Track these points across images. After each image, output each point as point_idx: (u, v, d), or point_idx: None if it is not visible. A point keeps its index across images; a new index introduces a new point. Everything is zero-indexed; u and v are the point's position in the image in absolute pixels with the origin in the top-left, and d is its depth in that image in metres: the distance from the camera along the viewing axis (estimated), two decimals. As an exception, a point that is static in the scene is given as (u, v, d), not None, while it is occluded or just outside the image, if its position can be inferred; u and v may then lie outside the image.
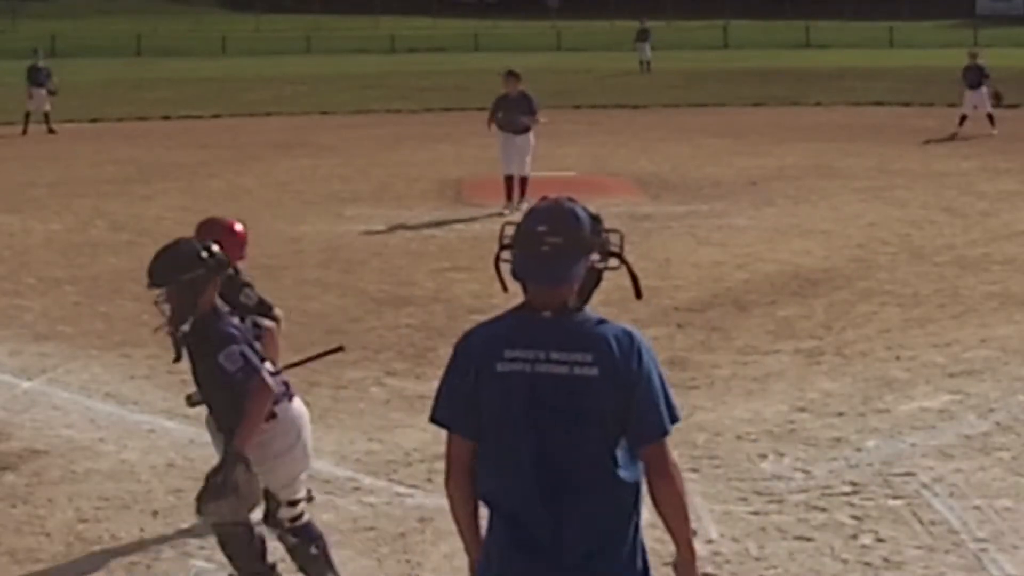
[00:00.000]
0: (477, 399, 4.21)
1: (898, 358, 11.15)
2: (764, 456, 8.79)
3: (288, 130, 30.67)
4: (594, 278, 4.32)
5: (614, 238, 4.33)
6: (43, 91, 30.32)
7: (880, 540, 7.43)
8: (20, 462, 8.93)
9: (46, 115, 30.35)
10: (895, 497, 8.03)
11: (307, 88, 42.46)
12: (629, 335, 4.19)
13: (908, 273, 14.52)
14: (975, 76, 27.87)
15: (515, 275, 4.25)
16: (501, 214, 18.61)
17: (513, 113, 19.12)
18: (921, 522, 7.65)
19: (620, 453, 4.18)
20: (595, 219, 4.29)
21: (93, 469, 8.79)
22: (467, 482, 4.31)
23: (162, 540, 7.60)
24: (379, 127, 31.22)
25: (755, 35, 65.53)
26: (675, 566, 4.36)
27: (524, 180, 19.07)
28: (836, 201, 19.44)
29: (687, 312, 12.87)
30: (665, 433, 4.19)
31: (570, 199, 4.29)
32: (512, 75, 19.41)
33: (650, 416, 4.17)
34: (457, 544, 7.45)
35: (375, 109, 35.58)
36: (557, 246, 4.16)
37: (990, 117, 27.58)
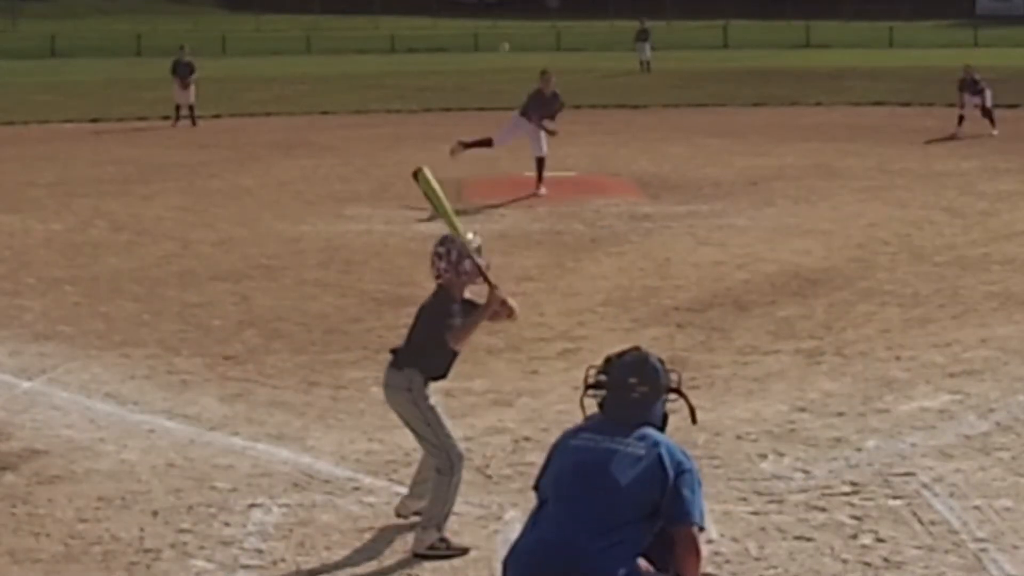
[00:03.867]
0: (550, 466, 5.47)
1: (898, 358, 11.14)
2: (764, 456, 8.79)
3: (288, 130, 30.67)
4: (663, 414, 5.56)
5: (673, 377, 5.53)
6: (179, 83, 31.73)
7: (880, 540, 7.43)
8: (20, 462, 8.93)
9: (191, 108, 31.61)
10: (895, 497, 8.03)
11: (307, 88, 42.46)
12: (683, 450, 5.39)
13: (908, 273, 14.52)
14: (971, 86, 27.94)
15: (603, 410, 5.47)
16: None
17: (543, 109, 20.29)
18: (921, 522, 7.65)
19: (637, 518, 5.21)
20: (662, 363, 5.53)
21: (93, 469, 8.78)
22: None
23: (162, 540, 7.60)
24: (379, 127, 31.22)
25: (755, 35, 65.51)
26: None
27: (541, 161, 20.18)
28: (836, 201, 19.43)
29: (687, 312, 12.87)
30: (693, 521, 5.26)
31: (647, 352, 5.55)
32: (548, 74, 20.74)
33: (683, 504, 5.25)
34: (456, 544, 7.48)
35: (375, 109, 35.57)
36: (644, 394, 5.45)
37: (990, 116, 27.57)
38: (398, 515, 7.66)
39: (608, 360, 5.54)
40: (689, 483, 5.30)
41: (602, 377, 5.51)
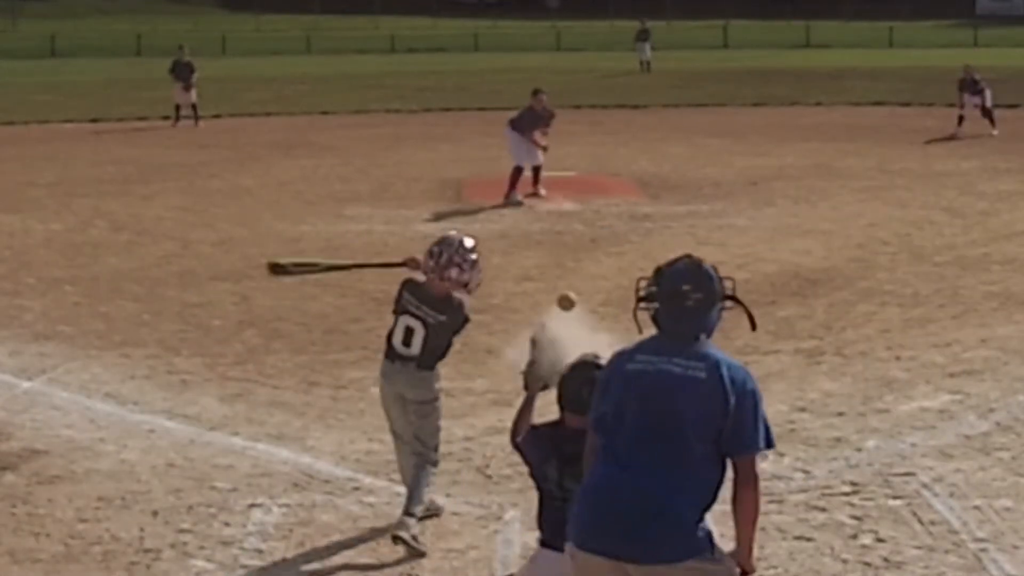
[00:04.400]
0: (608, 393, 5.12)
1: (898, 358, 11.15)
2: (764, 456, 8.77)
3: (288, 130, 30.66)
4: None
5: (728, 284, 5.24)
6: (181, 85, 31.70)
7: (880, 540, 7.43)
8: (20, 462, 8.93)
9: (194, 107, 31.62)
10: (895, 497, 8.04)
11: (307, 88, 42.43)
12: (742, 368, 5.10)
13: (908, 273, 14.52)
14: (971, 87, 27.93)
15: (657, 323, 5.16)
16: (511, 203, 18.99)
17: (537, 125, 20.34)
18: (921, 522, 7.65)
19: (706, 451, 4.97)
20: (715, 270, 5.22)
21: (93, 469, 8.79)
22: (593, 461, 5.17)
23: (162, 540, 7.60)
24: (379, 127, 31.21)
25: (755, 35, 65.47)
26: (731, 554, 5.09)
27: (538, 169, 20.11)
28: (836, 201, 19.43)
29: (687, 312, 12.85)
30: (756, 450, 5.01)
31: (700, 259, 5.22)
32: (540, 93, 20.68)
33: (745, 433, 4.99)
34: (457, 544, 7.48)
35: (375, 109, 35.55)
36: (699, 301, 5.12)
37: (990, 116, 27.57)
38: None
39: (659, 270, 5.24)
40: (752, 406, 5.02)
41: (653, 288, 5.20)
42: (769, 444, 5.07)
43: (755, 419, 5.01)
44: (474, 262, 7.60)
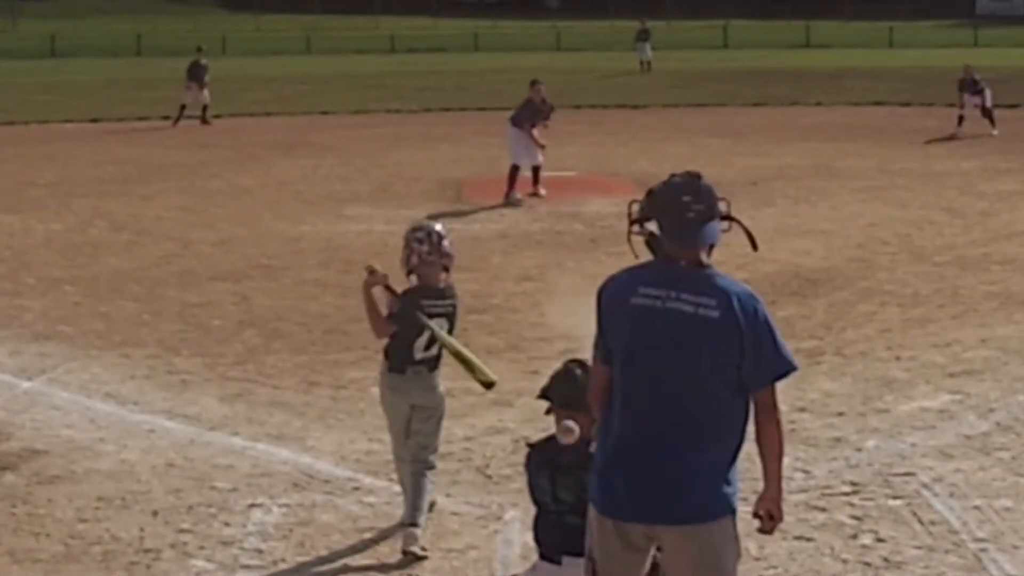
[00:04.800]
0: (612, 328, 4.93)
1: (898, 358, 11.15)
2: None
3: (288, 130, 30.66)
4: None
5: (722, 205, 5.04)
6: (196, 85, 31.97)
7: (880, 540, 7.43)
8: (20, 462, 8.93)
9: (205, 108, 31.89)
10: (895, 497, 8.04)
11: (307, 88, 42.44)
12: (750, 294, 4.89)
13: (908, 273, 14.52)
14: (971, 86, 27.94)
15: (652, 248, 4.93)
16: (510, 204, 18.90)
17: (535, 118, 20.22)
18: (921, 522, 7.65)
19: (728, 394, 4.84)
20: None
21: (93, 469, 8.79)
22: (604, 399, 4.98)
23: (162, 540, 7.60)
24: (379, 127, 31.21)
25: (755, 35, 65.47)
26: (761, 497, 5.05)
27: (537, 169, 20.03)
28: (836, 201, 19.44)
29: (687, 312, 12.85)
30: (776, 377, 4.86)
31: (697, 172, 5.06)
32: (538, 84, 20.61)
33: (763, 363, 4.82)
34: (457, 544, 7.48)
35: (375, 109, 35.56)
36: (700, 212, 4.90)
37: (990, 116, 27.56)
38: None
39: (650, 192, 5.02)
40: (768, 333, 4.83)
41: (646, 210, 4.97)
42: (790, 367, 4.90)
43: (774, 346, 4.86)
44: (444, 234, 7.64)
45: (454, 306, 7.58)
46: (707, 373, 4.81)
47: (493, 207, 19.15)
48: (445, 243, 7.55)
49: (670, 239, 4.89)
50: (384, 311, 7.51)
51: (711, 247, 4.96)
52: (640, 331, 4.86)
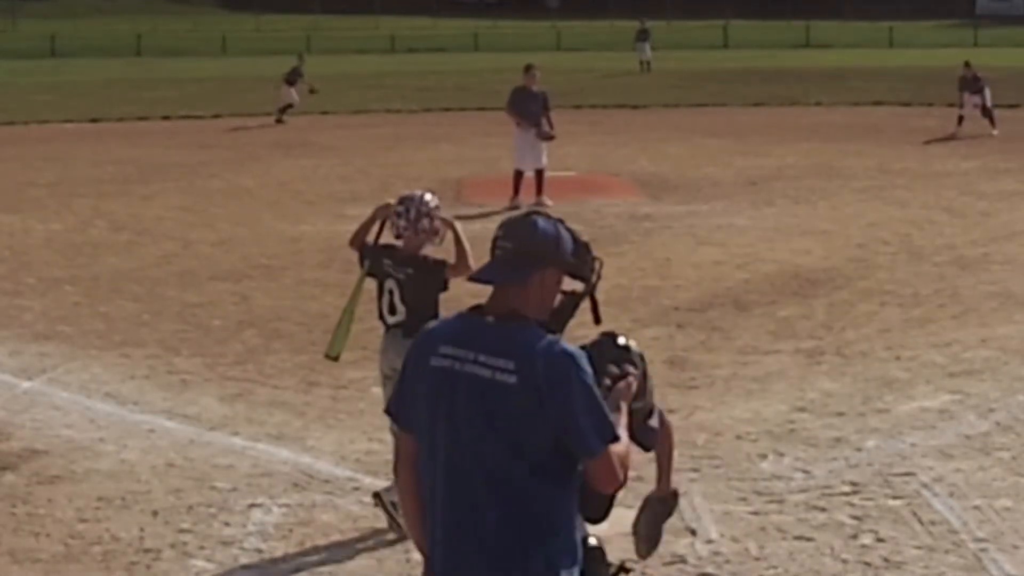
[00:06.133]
0: (415, 392, 4.26)
1: (898, 358, 11.15)
2: (764, 456, 8.78)
3: (288, 130, 30.66)
4: (571, 304, 4.43)
5: (596, 265, 4.40)
6: (292, 89, 32.52)
7: (880, 540, 7.43)
8: (20, 462, 8.93)
9: (288, 106, 32.27)
10: (895, 497, 8.03)
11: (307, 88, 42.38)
12: (566, 354, 4.10)
13: (908, 273, 14.52)
14: (972, 84, 27.93)
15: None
16: (514, 208, 18.68)
17: (533, 109, 19.50)
18: (921, 522, 7.65)
19: (541, 484, 4.10)
20: (580, 244, 4.35)
21: (93, 469, 8.79)
22: (410, 475, 4.32)
23: (162, 540, 7.60)
24: (379, 127, 31.21)
25: (755, 35, 65.48)
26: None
27: (541, 173, 19.45)
28: (836, 201, 19.43)
29: (687, 312, 12.87)
30: (592, 454, 4.08)
31: (548, 216, 4.34)
32: (533, 69, 19.92)
33: (578, 436, 4.08)
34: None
35: (375, 109, 35.56)
36: (506, 250, 4.24)
37: (990, 116, 27.56)
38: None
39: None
40: (579, 397, 4.06)
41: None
42: (607, 438, 4.10)
43: (588, 413, 4.08)
44: (438, 208, 7.79)
45: (411, 276, 7.66)
46: (509, 456, 4.09)
47: (493, 207, 19.13)
48: (424, 221, 7.71)
49: (475, 275, 4.34)
50: (370, 239, 7.94)
51: (559, 312, 4.38)
52: (437, 402, 4.19)
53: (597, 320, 4.48)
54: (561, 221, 4.36)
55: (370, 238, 7.94)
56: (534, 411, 4.05)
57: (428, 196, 7.82)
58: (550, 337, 4.14)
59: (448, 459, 4.15)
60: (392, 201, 7.88)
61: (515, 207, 19.01)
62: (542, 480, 4.11)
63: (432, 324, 4.45)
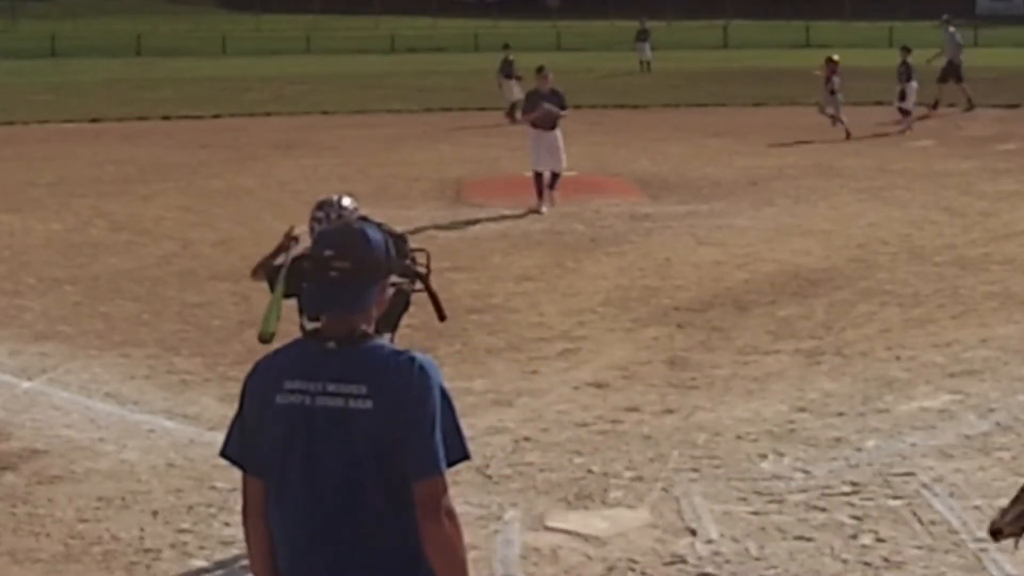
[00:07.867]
0: (263, 433, 3.96)
1: (898, 358, 11.14)
2: (764, 456, 8.78)
3: (288, 130, 30.65)
4: (402, 302, 4.26)
5: (420, 258, 4.20)
6: (512, 82, 31.94)
7: (880, 540, 7.43)
8: (20, 462, 8.93)
9: (515, 104, 31.36)
10: (895, 497, 8.03)
11: (307, 88, 42.43)
12: (414, 364, 3.84)
13: (908, 273, 14.52)
14: (906, 73, 28.03)
15: (303, 309, 3.96)
16: (537, 212, 18.58)
17: (546, 108, 19.35)
18: (921, 522, 7.65)
19: (403, 493, 3.83)
20: (398, 239, 4.13)
21: (93, 469, 8.79)
22: (258, 521, 4.02)
23: (162, 540, 7.60)
24: (379, 127, 31.21)
25: (755, 35, 65.49)
26: None
27: (556, 176, 19.16)
28: (836, 201, 19.43)
29: (687, 312, 12.87)
30: (436, 472, 3.79)
31: (363, 219, 4.07)
32: (545, 70, 19.76)
33: (419, 452, 3.80)
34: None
35: (375, 109, 35.55)
36: (344, 271, 3.88)
37: (906, 111, 27.59)
38: None
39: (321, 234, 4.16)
40: (426, 416, 3.80)
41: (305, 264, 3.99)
42: (458, 457, 3.87)
43: (433, 433, 3.81)
44: (356, 211, 7.50)
45: None
46: (370, 477, 3.82)
47: (493, 207, 19.12)
48: None
49: (310, 305, 4.01)
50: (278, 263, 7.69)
51: (389, 314, 4.11)
52: (291, 442, 3.87)
53: (441, 318, 4.29)
54: (366, 218, 4.10)
55: (277, 262, 7.56)
56: (397, 434, 3.80)
57: (347, 200, 7.59)
58: (400, 352, 3.88)
59: (305, 500, 3.86)
60: (295, 227, 7.45)
61: (535, 210, 18.77)
62: (411, 511, 3.82)
63: (267, 357, 4.05)
